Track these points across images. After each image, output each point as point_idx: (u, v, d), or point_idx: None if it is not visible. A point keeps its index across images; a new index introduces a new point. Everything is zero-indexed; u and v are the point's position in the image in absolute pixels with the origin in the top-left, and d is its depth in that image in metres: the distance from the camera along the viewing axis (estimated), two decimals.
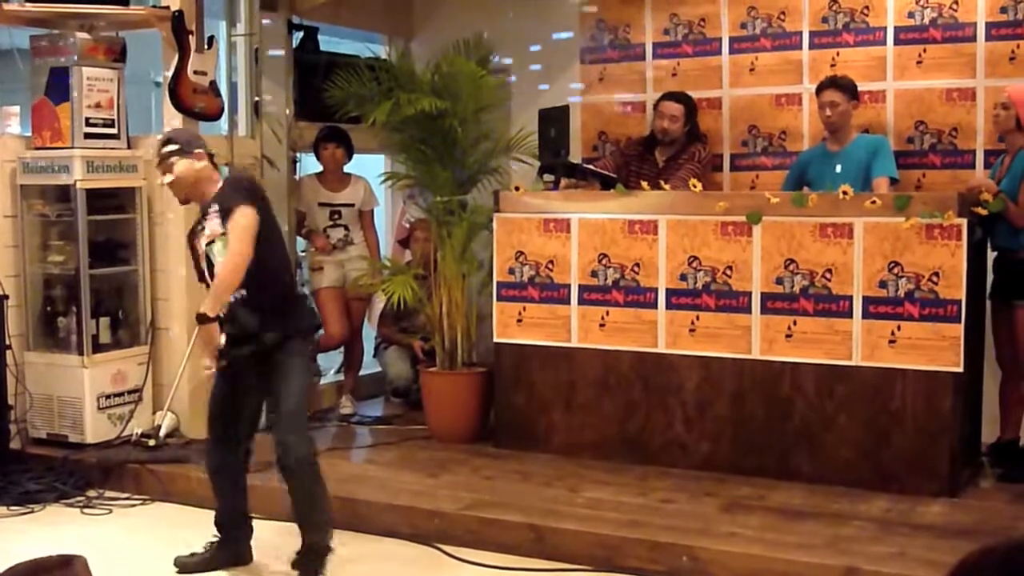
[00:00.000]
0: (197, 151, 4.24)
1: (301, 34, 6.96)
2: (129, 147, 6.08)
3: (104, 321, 5.96)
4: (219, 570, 4.49)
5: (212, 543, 4.54)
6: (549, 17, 7.06)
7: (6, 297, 5.70)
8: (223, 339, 4.07)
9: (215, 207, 4.15)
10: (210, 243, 4.16)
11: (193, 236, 4.30)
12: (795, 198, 5.22)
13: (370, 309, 7.17)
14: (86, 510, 5.30)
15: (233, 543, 4.55)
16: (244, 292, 4.13)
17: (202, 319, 4.05)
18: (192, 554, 4.53)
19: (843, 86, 5.74)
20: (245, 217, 4.04)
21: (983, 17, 5.88)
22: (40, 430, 5.94)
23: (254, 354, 4.16)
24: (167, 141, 4.28)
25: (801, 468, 5.21)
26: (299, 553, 4.30)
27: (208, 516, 4.58)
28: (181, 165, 4.20)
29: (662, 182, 5.79)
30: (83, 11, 5.86)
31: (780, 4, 6.37)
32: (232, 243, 4.05)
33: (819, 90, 5.80)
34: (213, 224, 4.13)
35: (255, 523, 4.63)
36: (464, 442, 6.02)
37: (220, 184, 4.28)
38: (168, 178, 4.24)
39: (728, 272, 5.31)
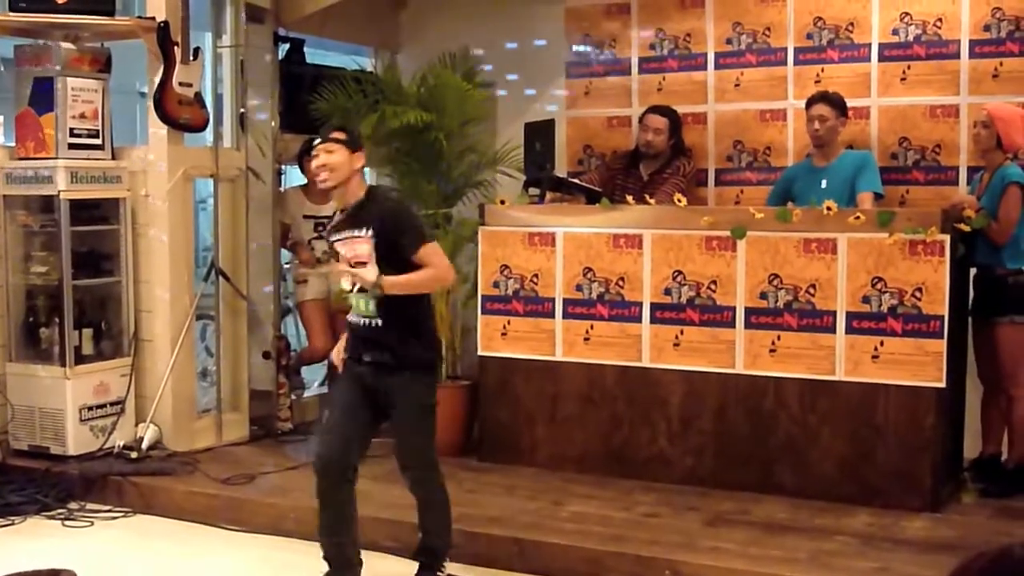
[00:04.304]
0: (358, 152, 4.14)
1: (287, 46, 6.96)
2: (113, 158, 6.07)
3: (87, 332, 5.94)
4: None
5: None
6: (535, 31, 7.07)
7: None
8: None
9: (368, 231, 4.08)
10: (357, 264, 4.10)
11: (325, 230, 4.27)
12: (779, 213, 5.24)
13: None
14: (67, 522, 5.26)
15: None
16: (379, 321, 4.11)
17: (376, 285, 4.00)
18: None
19: (833, 101, 5.76)
20: (438, 247, 4.19)
21: (967, 34, 5.92)
22: (22, 442, 5.91)
23: (380, 362, 4.14)
24: (338, 128, 4.22)
25: (784, 482, 5.22)
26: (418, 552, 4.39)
27: (191, 528, 4.55)
28: (340, 157, 4.08)
29: (647, 196, 5.80)
30: (68, 21, 5.85)
31: (765, 20, 6.40)
32: (442, 269, 4.13)
33: (809, 104, 5.81)
34: (361, 248, 4.09)
35: None
36: (448, 455, 5.95)
37: (366, 193, 4.18)
38: (323, 159, 4.09)
39: (712, 287, 5.33)
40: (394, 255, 4.07)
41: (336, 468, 4.16)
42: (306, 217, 6.76)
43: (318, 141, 4.13)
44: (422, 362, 4.21)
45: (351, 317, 4.24)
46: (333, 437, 4.25)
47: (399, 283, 4.05)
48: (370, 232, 4.08)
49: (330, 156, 4.07)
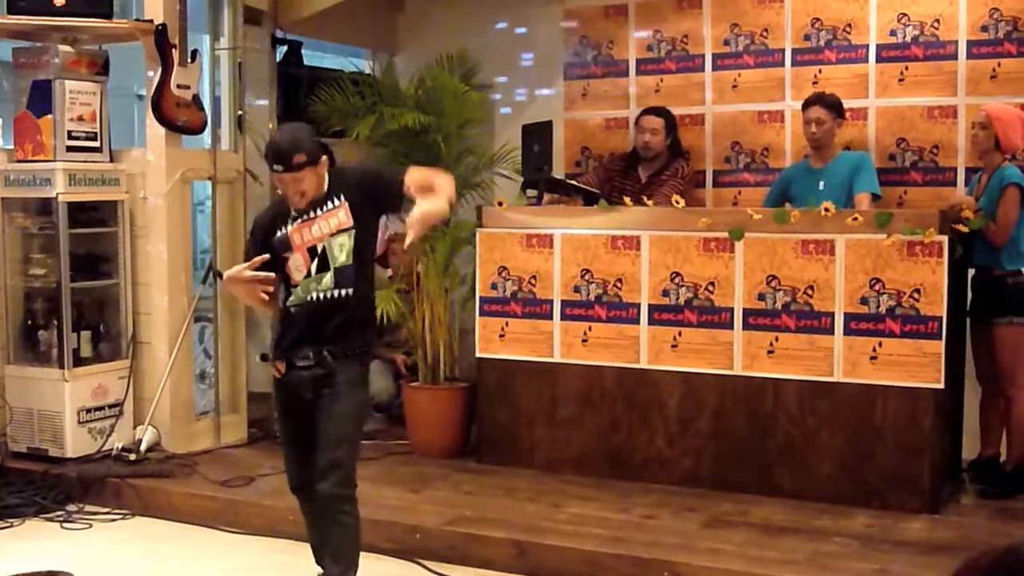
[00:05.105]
0: (322, 159, 3.95)
1: (285, 48, 6.96)
2: (111, 160, 6.06)
3: (85, 335, 5.94)
4: None
5: None
6: (533, 33, 7.08)
7: None
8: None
9: (337, 200, 3.95)
10: (336, 233, 3.94)
11: (284, 227, 4.00)
12: (777, 214, 5.24)
13: None
14: (66, 525, 5.26)
15: None
16: (350, 291, 3.94)
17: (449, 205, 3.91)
18: None
19: (829, 103, 5.77)
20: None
21: (964, 35, 5.93)
22: (20, 444, 5.90)
23: (313, 373, 3.99)
24: (296, 148, 3.86)
25: (783, 484, 5.22)
26: None
27: (189, 530, 4.55)
28: (310, 179, 3.90)
29: (645, 198, 5.80)
30: (66, 24, 5.85)
31: (763, 21, 6.40)
32: (424, 170, 4.06)
33: (805, 106, 5.82)
34: (340, 216, 3.94)
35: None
36: (446, 457, 6.01)
37: (328, 183, 4.00)
38: (292, 188, 3.91)
39: (710, 288, 5.33)
40: (375, 208, 4.00)
41: (304, 488, 4.17)
42: None
43: (279, 169, 3.87)
44: (368, 349, 4.11)
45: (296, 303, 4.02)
46: (289, 462, 4.24)
47: (448, 194, 3.97)
48: (342, 198, 3.96)
49: (300, 183, 3.89)
